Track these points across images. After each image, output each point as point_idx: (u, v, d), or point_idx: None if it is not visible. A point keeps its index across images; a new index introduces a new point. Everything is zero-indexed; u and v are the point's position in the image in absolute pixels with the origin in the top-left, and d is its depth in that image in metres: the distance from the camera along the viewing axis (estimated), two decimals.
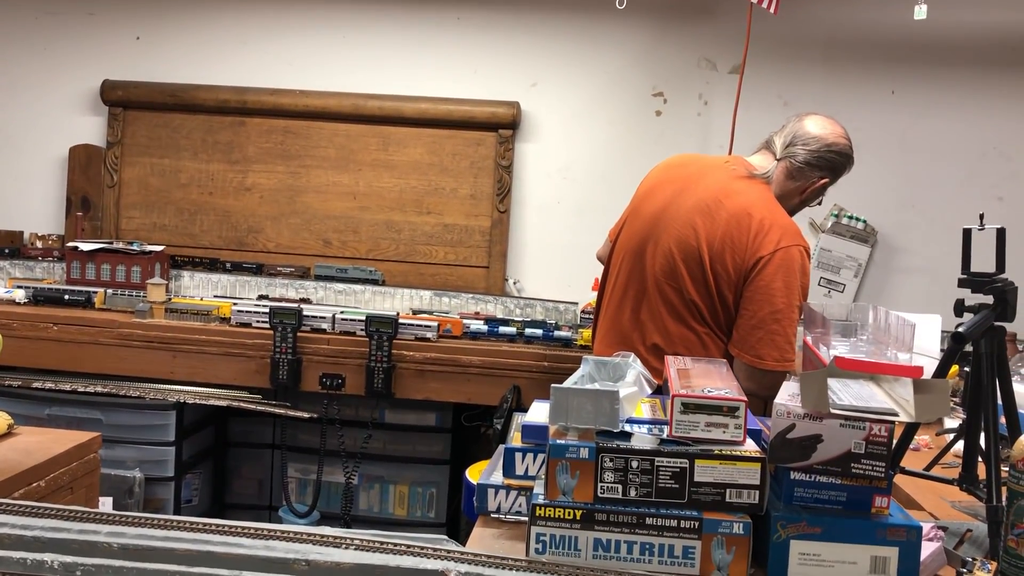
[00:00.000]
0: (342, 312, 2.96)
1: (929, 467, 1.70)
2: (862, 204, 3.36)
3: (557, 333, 2.98)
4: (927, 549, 1.25)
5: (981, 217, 1.42)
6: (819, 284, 3.33)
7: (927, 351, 2.30)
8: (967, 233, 1.45)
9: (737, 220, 2.08)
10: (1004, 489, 1.32)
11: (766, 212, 2.09)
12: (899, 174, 3.38)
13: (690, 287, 2.11)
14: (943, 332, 2.49)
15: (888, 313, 1.33)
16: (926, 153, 3.36)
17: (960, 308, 1.44)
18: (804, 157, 2.14)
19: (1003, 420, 1.58)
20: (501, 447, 1.50)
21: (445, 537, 1.28)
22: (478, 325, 2.99)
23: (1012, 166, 3.35)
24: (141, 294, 3.13)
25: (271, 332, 2.88)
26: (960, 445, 1.53)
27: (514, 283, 3.50)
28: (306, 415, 2.92)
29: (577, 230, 3.47)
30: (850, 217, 3.34)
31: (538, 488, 1.29)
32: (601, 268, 2.42)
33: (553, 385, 1.31)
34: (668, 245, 2.14)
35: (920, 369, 1.16)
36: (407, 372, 2.87)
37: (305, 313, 2.92)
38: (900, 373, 1.18)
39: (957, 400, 2.34)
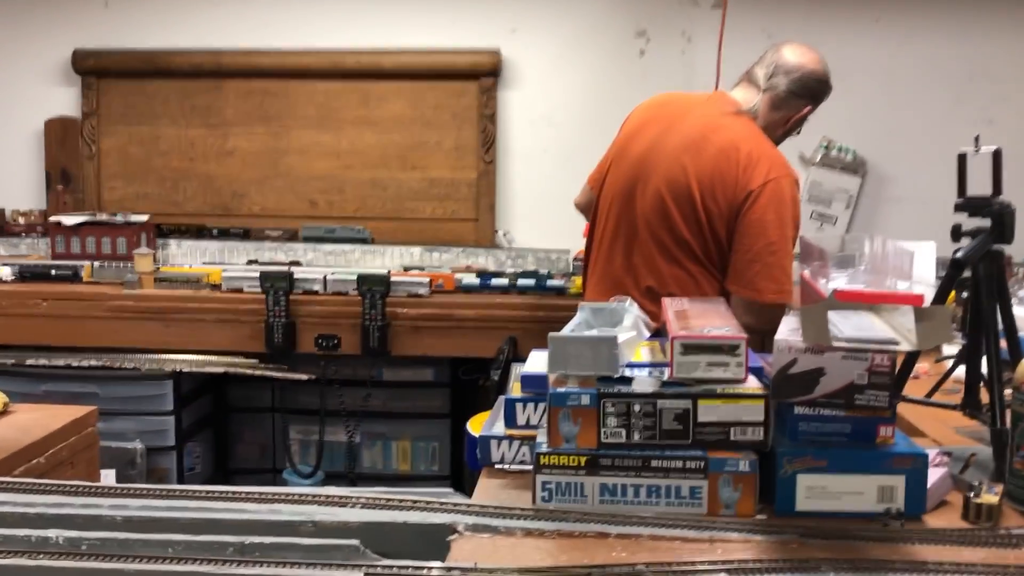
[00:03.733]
0: (333, 273, 2.93)
1: (930, 394, 1.69)
2: (851, 135, 3.33)
3: (550, 282, 2.96)
4: (933, 475, 1.24)
5: (976, 140, 1.39)
6: (811, 217, 3.31)
7: (923, 279, 2.30)
8: (962, 157, 1.43)
9: (725, 155, 2.07)
10: (1008, 412, 1.31)
11: (753, 145, 2.09)
12: (886, 103, 3.34)
13: (681, 226, 2.10)
14: (938, 258, 2.49)
15: (885, 242, 1.31)
16: (913, 80, 3.32)
17: (957, 233, 1.42)
18: (787, 87, 2.15)
19: (1004, 344, 1.57)
20: (501, 398, 1.49)
21: (451, 490, 1.28)
22: (470, 279, 2.97)
23: (1000, 88, 3.31)
24: (129, 265, 3.09)
25: (263, 296, 2.85)
26: (960, 371, 1.53)
27: (504, 234, 3.48)
28: (304, 377, 2.91)
29: (565, 177, 3.37)
30: (839, 149, 3.32)
31: (541, 437, 1.28)
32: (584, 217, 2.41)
33: (551, 334, 1.30)
34: (657, 185, 2.12)
35: (921, 297, 1.14)
36: (402, 329, 2.86)
37: (296, 275, 2.89)
38: (900, 302, 1.17)
39: (955, 326, 2.33)
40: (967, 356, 1.49)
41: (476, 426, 1.63)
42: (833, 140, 3.33)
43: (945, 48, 3.30)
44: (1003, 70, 3.29)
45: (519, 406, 1.42)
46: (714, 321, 1.41)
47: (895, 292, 1.19)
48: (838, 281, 1.32)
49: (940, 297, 1.39)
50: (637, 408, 1.24)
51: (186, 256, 3.31)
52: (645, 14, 3.38)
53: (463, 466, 2.99)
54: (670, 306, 1.54)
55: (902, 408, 1.61)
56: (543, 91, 3.46)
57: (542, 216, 3.47)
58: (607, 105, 3.33)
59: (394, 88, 3.45)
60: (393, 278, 2.88)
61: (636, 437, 1.24)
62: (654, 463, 1.23)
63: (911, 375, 1.89)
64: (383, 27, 3.44)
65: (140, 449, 2.89)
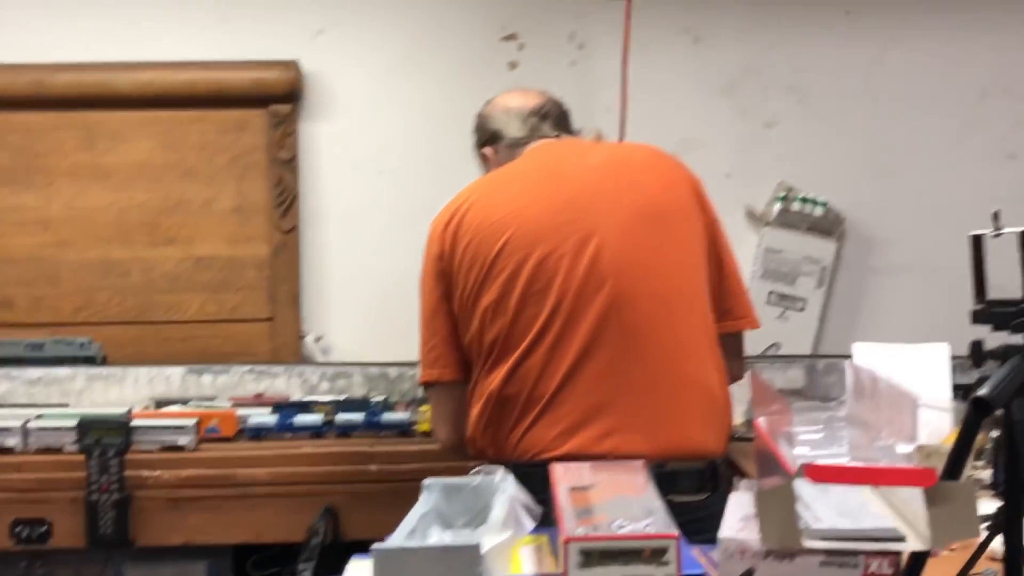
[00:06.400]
0: (39, 416, 2.83)
1: None
2: (819, 180, 3.44)
3: (388, 416, 2.93)
4: None
5: (995, 216, 1.43)
6: (768, 302, 3.38)
7: (934, 400, 2.36)
8: (977, 242, 1.46)
9: (648, 155, 2.42)
10: None
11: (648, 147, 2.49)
12: (866, 132, 3.48)
13: (698, 251, 2.32)
14: (954, 359, 2.56)
15: (877, 379, 1.32)
16: (901, 99, 3.48)
17: (979, 354, 1.44)
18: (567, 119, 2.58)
19: None
20: None
21: None
22: (262, 416, 2.92)
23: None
24: None
25: None
26: (998, 543, 1.54)
27: (316, 340, 3.43)
28: None
29: (407, 246, 3.37)
30: (804, 200, 3.41)
31: None
32: None
33: (375, 547, 1.24)
34: (636, 226, 2.26)
35: (932, 473, 1.14)
36: (152, 504, 2.74)
37: None
38: (903, 481, 1.16)
39: (983, 464, 2.39)
40: (1004, 524, 1.51)
41: None
42: (795, 187, 3.43)
43: (944, 54, 3.47)
44: None
45: None
46: (628, 501, 1.39)
47: (894, 465, 1.19)
48: (808, 442, 1.31)
49: (959, 455, 1.39)
50: None
51: None
52: (515, 10, 3.44)
53: None
54: (562, 477, 1.51)
55: None
56: (369, 122, 3.46)
57: (374, 309, 3.44)
58: (463, 140, 3.36)
59: (136, 120, 3.39)
60: (136, 422, 2.79)
61: None
62: None
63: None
64: (118, 30, 3.38)
65: None
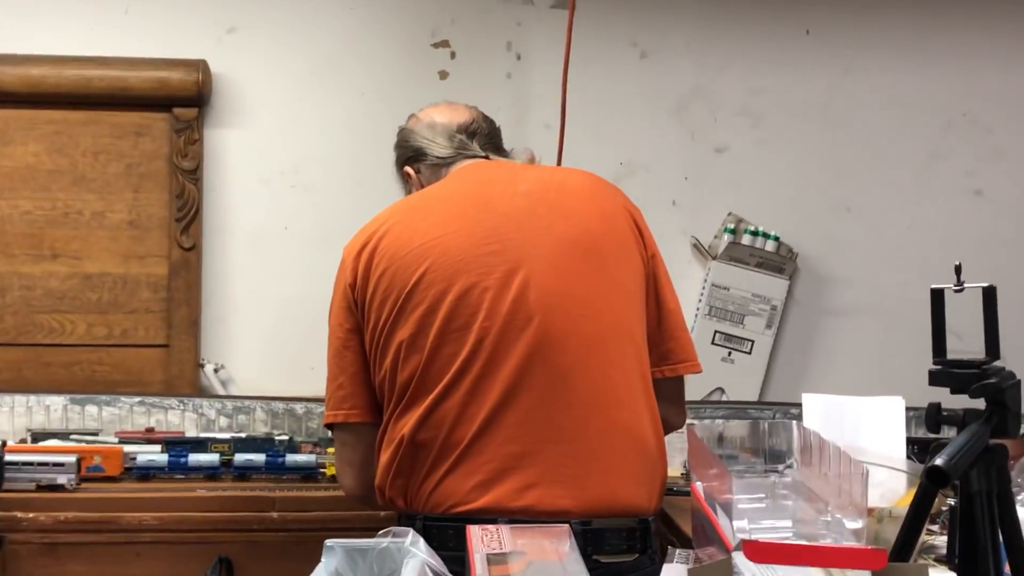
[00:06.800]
0: None
1: None
2: (771, 211, 3.47)
3: (292, 457, 2.91)
4: None
5: (958, 270, 1.42)
6: (713, 343, 3.38)
7: (888, 458, 2.36)
8: (937, 297, 1.45)
9: (583, 181, 2.41)
10: None
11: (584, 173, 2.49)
12: (823, 162, 3.51)
13: (631, 286, 2.31)
14: (910, 410, 2.57)
15: (825, 444, 1.30)
16: (862, 128, 3.51)
17: (935, 418, 1.43)
18: (497, 136, 2.62)
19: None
20: None
21: None
22: (151, 454, 2.88)
23: (992, 139, 3.54)
24: None
25: None
26: None
27: (215, 370, 3.39)
28: None
29: (320, 270, 3.34)
30: (755, 232, 3.42)
31: None
32: None
33: None
34: (568, 259, 2.25)
35: (882, 554, 1.12)
36: (26, 550, 2.69)
37: None
38: (850, 563, 1.15)
39: (938, 530, 2.40)
40: None
41: None
42: (745, 219, 3.44)
43: (910, 79, 3.51)
44: (996, 112, 3.53)
45: None
46: (550, 571, 1.37)
47: (841, 545, 1.17)
48: (748, 514, 1.29)
49: (912, 527, 1.39)
50: None
51: None
52: (447, 15, 3.44)
53: None
54: (479, 543, 1.48)
55: None
56: (282, 131, 3.44)
57: (281, 339, 3.42)
58: (388, 156, 3.33)
59: (23, 119, 3.36)
60: (10, 457, 2.75)
61: None
62: None
63: None
64: (4, 19, 3.34)
65: None
